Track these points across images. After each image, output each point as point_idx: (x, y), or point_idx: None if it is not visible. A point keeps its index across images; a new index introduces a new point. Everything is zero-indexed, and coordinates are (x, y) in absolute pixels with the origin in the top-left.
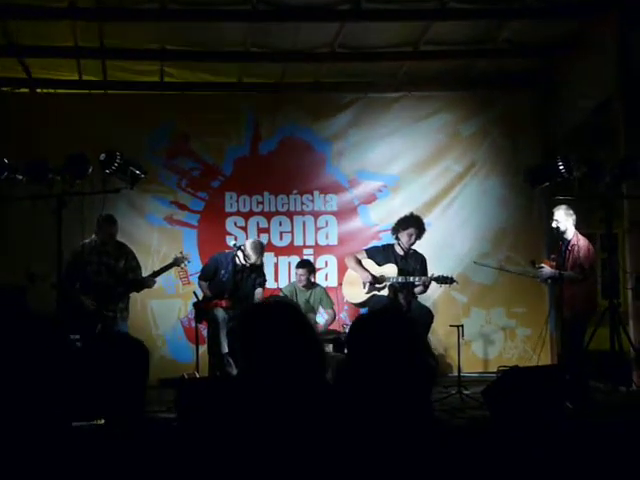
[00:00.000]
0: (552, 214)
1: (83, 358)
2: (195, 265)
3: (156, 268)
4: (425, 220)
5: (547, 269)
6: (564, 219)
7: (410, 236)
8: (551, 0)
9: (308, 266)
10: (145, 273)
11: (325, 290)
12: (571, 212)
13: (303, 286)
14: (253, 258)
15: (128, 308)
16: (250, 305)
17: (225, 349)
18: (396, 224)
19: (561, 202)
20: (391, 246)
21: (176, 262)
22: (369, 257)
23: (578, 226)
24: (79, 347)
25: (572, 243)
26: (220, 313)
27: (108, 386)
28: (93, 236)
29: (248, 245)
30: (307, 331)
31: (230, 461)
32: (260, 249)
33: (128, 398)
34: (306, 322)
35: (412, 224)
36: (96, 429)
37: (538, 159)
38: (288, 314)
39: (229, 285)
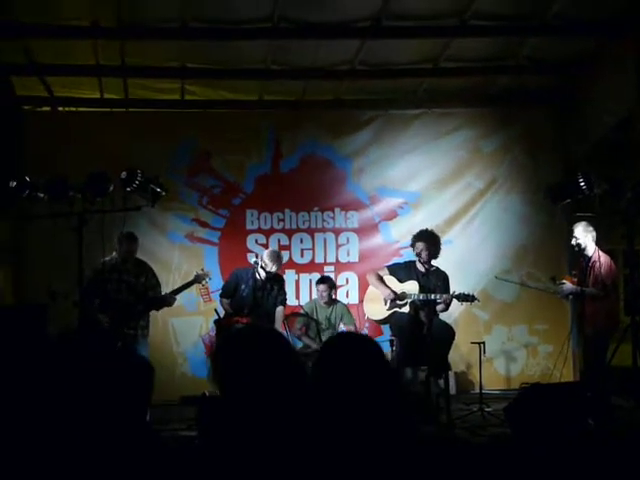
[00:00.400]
0: (572, 231)
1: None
2: (216, 282)
3: (177, 286)
4: (446, 237)
5: (568, 285)
6: (583, 236)
7: (420, 251)
8: (571, 18)
9: (329, 282)
10: (166, 290)
11: (346, 306)
12: (591, 229)
13: (324, 302)
14: (270, 266)
15: (149, 326)
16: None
17: None
18: (411, 239)
19: (581, 219)
20: (413, 263)
21: (197, 279)
22: (391, 274)
23: (599, 243)
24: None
25: (593, 259)
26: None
27: (109, 402)
28: (114, 254)
29: (265, 255)
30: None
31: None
32: (276, 257)
33: (128, 414)
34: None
35: (419, 239)
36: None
37: (559, 176)
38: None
39: (249, 301)
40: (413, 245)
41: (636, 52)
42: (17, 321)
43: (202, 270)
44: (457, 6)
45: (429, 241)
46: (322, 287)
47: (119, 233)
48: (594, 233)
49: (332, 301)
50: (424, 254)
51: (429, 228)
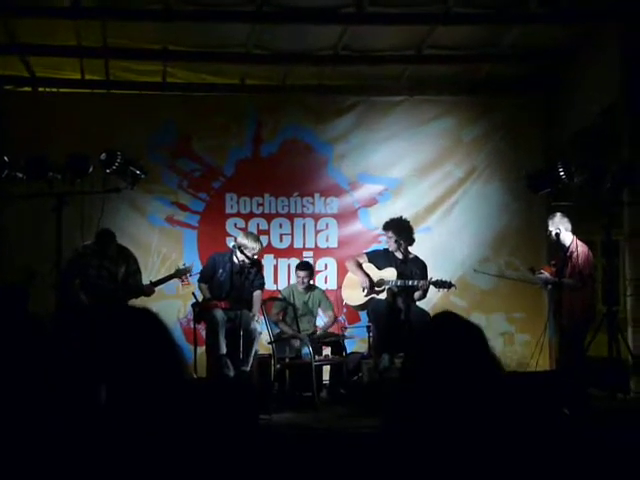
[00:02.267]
0: (547, 223)
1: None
2: (195, 266)
3: (156, 268)
4: (425, 224)
5: (546, 275)
6: (557, 226)
7: (390, 239)
8: (554, 6)
9: (309, 268)
10: (145, 273)
11: (324, 292)
12: (565, 219)
13: (303, 288)
14: (251, 247)
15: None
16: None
17: (223, 350)
18: (382, 227)
19: (559, 208)
20: (392, 250)
21: (178, 274)
22: (370, 260)
23: (578, 232)
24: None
25: (571, 249)
26: (219, 314)
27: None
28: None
29: (241, 238)
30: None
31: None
32: (253, 236)
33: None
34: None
35: (385, 229)
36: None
37: (540, 165)
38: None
39: (227, 285)
40: (385, 233)
41: (619, 41)
42: None
43: (183, 265)
44: None
45: (395, 230)
46: (303, 273)
47: (98, 229)
48: (569, 224)
49: (310, 287)
50: (391, 244)
51: (399, 216)
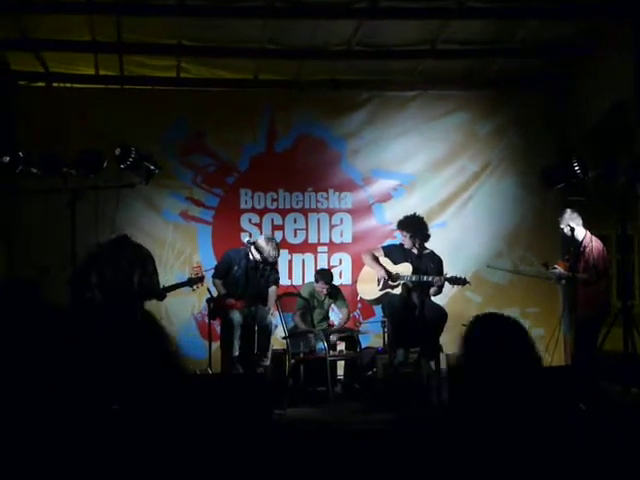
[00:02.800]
0: (559, 220)
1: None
2: (209, 261)
3: (170, 264)
4: (440, 220)
5: (560, 270)
6: (568, 222)
7: (405, 237)
8: (569, 0)
9: (327, 277)
10: (159, 268)
11: (340, 290)
12: (575, 214)
13: (323, 294)
14: (266, 251)
15: (142, 307)
16: None
17: (236, 352)
18: (397, 225)
19: (574, 203)
20: (407, 247)
21: (189, 283)
22: (386, 255)
23: (592, 227)
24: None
25: (584, 244)
26: (236, 316)
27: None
28: (113, 236)
29: (261, 240)
30: None
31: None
32: (274, 242)
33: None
34: None
35: (403, 225)
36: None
37: (554, 159)
38: None
39: (242, 281)
40: (400, 231)
41: (633, 36)
42: (9, 297)
43: (196, 274)
44: None
45: (409, 228)
46: (322, 283)
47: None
48: (579, 219)
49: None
50: (406, 241)
51: (412, 213)
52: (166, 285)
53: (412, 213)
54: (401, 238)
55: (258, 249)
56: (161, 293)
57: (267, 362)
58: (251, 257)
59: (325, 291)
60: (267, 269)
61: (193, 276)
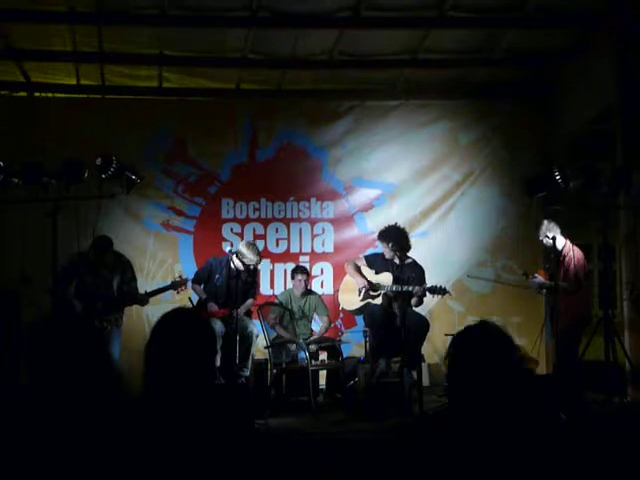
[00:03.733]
0: (538, 230)
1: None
2: (191, 270)
3: (152, 273)
4: (422, 229)
5: (539, 279)
6: (546, 233)
7: (387, 248)
8: (550, 10)
9: (305, 271)
10: (141, 278)
11: (320, 297)
12: (553, 224)
13: (300, 293)
14: (247, 256)
15: (122, 317)
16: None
17: (218, 362)
18: (377, 236)
19: (554, 212)
20: (388, 257)
21: (173, 286)
22: (368, 264)
23: (574, 236)
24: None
25: (564, 253)
26: (218, 326)
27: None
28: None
29: (242, 246)
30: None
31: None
32: (255, 249)
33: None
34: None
35: (384, 236)
36: None
37: (536, 168)
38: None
39: (223, 290)
40: (382, 242)
41: (615, 45)
42: None
43: (180, 277)
44: None
45: (389, 239)
46: (300, 277)
47: (94, 237)
48: (557, 228)
49: (307, 291)
50: (387, 252)
51: (392, 224)
52: (148, 290)
53: (393, 223)
54: (385, 248)
55: (239, 255)
56: (142, 298)
57: (247, 372)
58: (232, 266)
59: (303, 284)
60: (249, 280)
61: (177, 279)
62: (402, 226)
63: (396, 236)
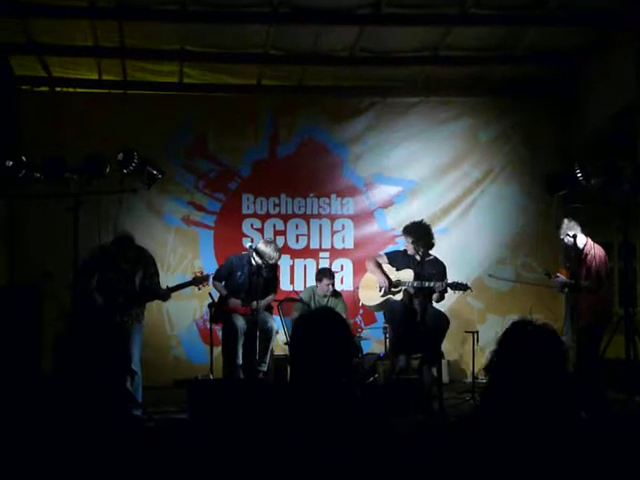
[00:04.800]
0: (559, 229)
1: None
2: (211, 266)
3: (172, 268)
4: (443, 225)
5: (562, 278)
6: (566, 232)
7: (409, 244)
8: (571, 7)
9: (331, 276)
10: (161, 272)
11: (342, 296)
12: (573, 223)
13: (324, 295)
14: (267, 253)
15: (144, 312)
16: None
17: (240, 360)
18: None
19: (576, 210)
20: (410, 253)
21: (194, 282)
22: (389, 261)
23: (595, 234)
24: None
25: (585, 252)
26: (240, 322)
27: None
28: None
29: (261, 244)
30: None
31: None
32: (274, 246)
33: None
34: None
35: (408, 231)
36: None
37: (557, 166)
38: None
39: (245, 286)
40: (406, 237)
41: (635, 42)
42: (12, 301)
43: (201, 273)
44: None
45: (413, 235)
46: (327, 281)
47: (116, 233)
48: (578, 227)
49: (333, 293)
50: (409, 247)
51: (418, 220)
52: (170, 286)
53: (419, 220)
54: (404, 244)
55: (259, 253)
56: (165, 294)
57: (264, 368)
58: (253, 262)
59: (330, 288)
60: (269, 275)
61: (198, 275)
62: (427, 223)
63: (420, 232)
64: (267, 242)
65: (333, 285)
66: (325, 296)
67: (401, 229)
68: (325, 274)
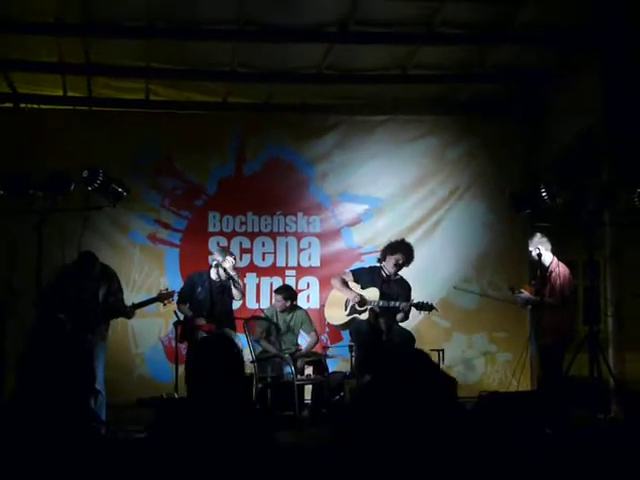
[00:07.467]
0: (528, 243)
1: None
2: (176, 284)
3: (137, 286)
4: None
5: (525, 294)
6: (537, 246)
7: (396, 261)
8: (537, 28)
9: (284, 292)
10: (126, 291)
11: (306, 313)
12: (545, 239)
13: (282, 311)
14: (219, 258)
15: (108, 329)
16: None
17: None
18: (385, 247)
19: (540, 228)
20: (377, 269)
21: (159, 298)
22: (354, 279)
23: (560, 253)
24: None
25: (550, 269)
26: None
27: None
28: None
29: (216, 254)
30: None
31: None
32: (219, 249)
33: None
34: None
35: (400, 250)
36: None
37: (523, 184)
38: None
39: (206, 303)
40: (392, 254)
41: (601, 62)
42: None
43: (166, 290)
44: (425, 13)
45: (409, 254)
46: (278, 297)
47: (80, 252)
48: (548, 244)
49: (292, 308)
50: (390, 266)
51: (401, 239)
52: (135, 302)
53: (401, 238)
54: (374, 261)
55: (217, 262)
56: (129, 311)
57: None
58: (214, 277)
59: (286, 303)
60: (229, 285)
61: (163, 291)
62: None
63: (410, 251)
64: (220, 249)
65: (285, 301)
66: (284, 311)
67: (374, 245)
68: (278, 291)
